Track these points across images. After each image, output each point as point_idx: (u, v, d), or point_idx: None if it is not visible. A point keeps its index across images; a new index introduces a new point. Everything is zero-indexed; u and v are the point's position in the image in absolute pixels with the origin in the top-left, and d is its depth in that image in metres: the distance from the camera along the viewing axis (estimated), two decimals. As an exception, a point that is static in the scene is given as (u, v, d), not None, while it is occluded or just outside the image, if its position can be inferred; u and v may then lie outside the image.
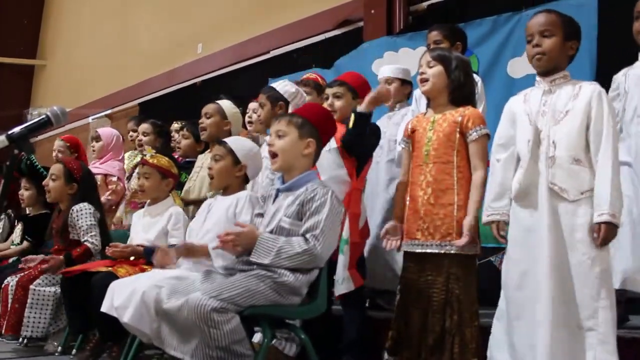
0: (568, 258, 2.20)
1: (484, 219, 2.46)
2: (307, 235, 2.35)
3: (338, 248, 2.77)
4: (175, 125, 4.88)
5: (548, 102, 2.34)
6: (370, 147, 3.03)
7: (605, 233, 2.17)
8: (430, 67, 2.67)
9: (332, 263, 2.66)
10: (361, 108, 2.88)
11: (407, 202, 2.66)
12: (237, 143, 3.03)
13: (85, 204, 3.76)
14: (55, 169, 3.89)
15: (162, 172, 3.47)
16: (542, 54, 2.33)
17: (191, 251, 2.78)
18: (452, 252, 2.50)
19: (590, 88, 2.30)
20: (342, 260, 2.78)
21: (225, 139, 3.08)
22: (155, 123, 4.69)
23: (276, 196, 2.56)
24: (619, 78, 2.98)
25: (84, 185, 3.87)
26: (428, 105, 2.76)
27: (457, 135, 2.58)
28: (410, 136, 2.73)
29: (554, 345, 2.14)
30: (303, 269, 2.37)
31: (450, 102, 2.66)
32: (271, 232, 2.45)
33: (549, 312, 2.17)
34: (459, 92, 2.65)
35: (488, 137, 2.61)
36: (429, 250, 2.55)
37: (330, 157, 2.90)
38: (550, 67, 2.36)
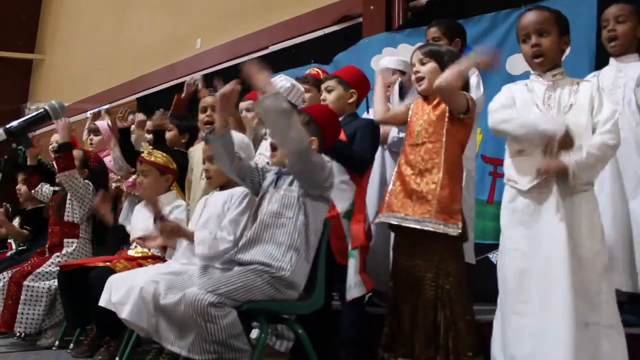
0: (577, 254, 2.22)
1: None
2: None
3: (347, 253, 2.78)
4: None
5: (553, 96, 2.35)
6: (371, 151, 2.99)
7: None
8: (424, 64, 2.69)
9: (331, 263, 2.66)
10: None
11: (394, 180, 2.68)
12: None
13: (88, 182, 3.91)
14: (76, 153, 4.04)
15: (160, 169, 3.47)
16: (542, 55, 2.35)
17: (177, 231, 2.79)
18: (429, 229, 2.50)
19: (589, 85, 2.35)
20: (354, 265, 2.77)
21: None
22: None
23: (277, 182, 2.54)
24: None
25: (95, 173, 4.02)
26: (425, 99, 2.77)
27: (447, 114, 2.60)
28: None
29: (576, 339, 2.14)
30: (301, 263, 2.38)
31: None
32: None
33: (570, 307, 2.15)
34: None
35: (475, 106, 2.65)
36: (406, 225, 2.56)
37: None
38: (550, 66, 2.38)
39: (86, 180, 3.93)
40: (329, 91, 3.08)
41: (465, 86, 2.70)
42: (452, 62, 2.63)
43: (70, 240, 3.82)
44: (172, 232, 2.79)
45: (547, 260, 2.22)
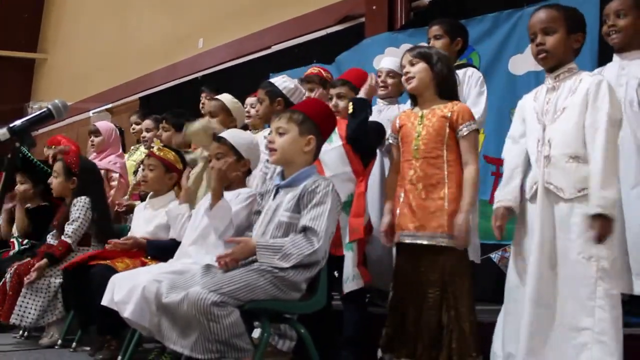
0: (563, 258, 2.19)
1: (495, 204, 2.42)
2: (309, 225, 2.34)
3: (342, 245, 2.78)
4: None
5: (551, 100, 2.32)
6: (374, 143, 3.01)
7: (599, 227, 2.13)
8: (413, 65, 2.69)
9: (332, 259, 2.66)
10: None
11: (401, 196, 2.67)
12: (237, 138, 3.01)
13: (84, 197, 3.80)
14: (56, 166, 3.99)
15: (167, 166, 3.48)
16: (546, 52, 2.32)
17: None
18: (443, 244, 2.52)
19: (589, 80, 2.26)
20: (351, 257, 2.77)
21: (223, 135, 3.04)
22: (157, 118, 4.69)
23: (277, 192, 2.56)
24: None
25: (83, 178, 3.90)
26: (415, 103, 2.78)
27: (447, 130, 2.61)
28: (399, 131, 2.75)
29: (534, 344, 2.15)
30: (304, 264, 2.38)
31: (437, 97, 2.69)
32: (274, 228, 2.46)
33: (530, 312, 2.17)
34: (444, 85, 2.68)
35: (478, 132, 2.65)
36: (419, 242, 2.56)
37: (334, 155, 2.89)
38: (555, 64, 2.34)
39: (79, 202, 3.80)
40: (341, 97, 3.09)
41: (453, 85, 2.72)
42: (442, 64, 2.66)
43: (83, 247, 3.81)
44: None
45: (526, 263, 2.25)
